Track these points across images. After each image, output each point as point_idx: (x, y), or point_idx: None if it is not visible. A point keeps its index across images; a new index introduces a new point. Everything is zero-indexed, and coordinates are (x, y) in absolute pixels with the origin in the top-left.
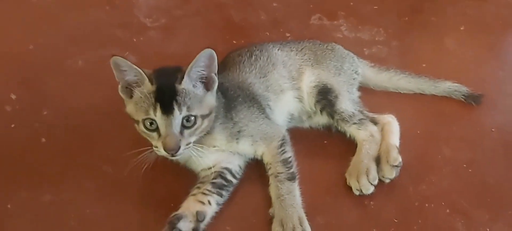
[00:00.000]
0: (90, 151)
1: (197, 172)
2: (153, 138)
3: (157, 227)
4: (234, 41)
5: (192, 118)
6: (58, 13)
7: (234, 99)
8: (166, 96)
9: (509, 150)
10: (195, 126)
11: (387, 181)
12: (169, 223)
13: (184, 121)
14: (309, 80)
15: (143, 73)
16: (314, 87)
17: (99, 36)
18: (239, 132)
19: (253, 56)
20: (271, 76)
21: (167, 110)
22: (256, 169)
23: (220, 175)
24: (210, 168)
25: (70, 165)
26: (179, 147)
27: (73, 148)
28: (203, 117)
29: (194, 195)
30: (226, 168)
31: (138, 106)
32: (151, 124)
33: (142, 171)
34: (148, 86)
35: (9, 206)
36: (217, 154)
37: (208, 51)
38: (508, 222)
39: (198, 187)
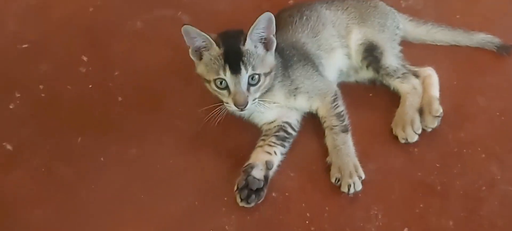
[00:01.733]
0: (162, 108)
1: (259, 126)
2: (223, 95)
3: (230, 175)
4: None
5: (256, 76)
6: None
7: (290, 58)
8: (233, 58)
9: None
10: (259, 83)
11: (429, 130)
12: (244, 172)
13: (250, 79)
14: (357, 38)
15: (210, 38)
16: (361, 44)
17: None
18: (296, 89)
19: (304, 17)
20: (322, 36)
21: (235, 70)
22: (310, 122)
23: (282, 128)
24: (272, 122)
25: (148, 121)
26: (247, 102)
27: (148, 106)
28: (266, 74)
29: (261, 146)
30: (286, 122)
31: (209, 67)
32: (221, 82)
33: (214, 124)
34: (216, 50)
35: (102, 159)
36: (277, 109)
37: (267, 14)
38: None
39: (263, 139)
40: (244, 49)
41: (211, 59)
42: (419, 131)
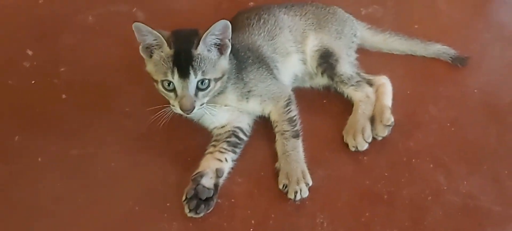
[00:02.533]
0: (108, 106)
1: (210, 130)
2: (170, 97)
3: (176, 179)
4: None
5: (206, 81)
6: None
7: (245, 60)
8: (183, 61)
9: (489, 110)
10: (209, 88)
11: (380, 138)
12: (193, 180)
13: (199, 83)
14: (313, 44)
15: (162, 37)
16: (316, 51)
17: None
18: (249, 91)
19: (261, 20)
20: (278, 40)
21: (184, 74)
22: (261, 127)
23: (233, 133)
24: (223, 126)
25: (92, 120)
26: (194, 107)
27: (92, 103)
28: (216, 79)
29: (211, 152)
30: (238, 127)
31: (158, 67)
32: (169, 84)
33: (160, 126)
34: (166, 50)
35: (40, 159)
36: (229, 113)
37: (223, 22)
38: (483, 175)
39: (214, 145)
40: (195, 53)
41: (160, 59)
42: (370, 140)
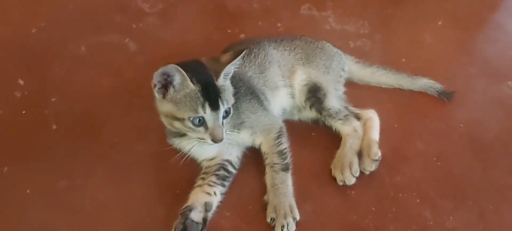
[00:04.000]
0: (98, 138)
1: (199, 162)
2: (198, 131)
3: (165, 213)
4: (229, 30)
5: (229, 109)
6: None
7: (238, 90)
8: (211, 94)
9: (474, 144)
10: (230, 114)
11: (367, 173)
12: (182, 214)
13: (224, 112)
14: (301, 78)
15: (186, 75)
16: (304, 85)
17: (98, 21)
18: (241, 123)
19: (252, 53)
20: (268, 73)
21: (215, 106)
22: (251, 159)
23: (222, 167)
24: (212, 159)
25: (81, 151)
26: (224, 136)
27: (82, 134)
28: (233, 105)
29: (200, 186)
30: (227, 160)
31: (181, 105)
32: (199, 120)
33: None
34: (191, 87)
35: (28, 191)
36: (218, 145)
37: (244, 52)
38: (468, 211)
39: (203, 178)
40: (219, 85)
41: (185, 96)
42: (357, 174)
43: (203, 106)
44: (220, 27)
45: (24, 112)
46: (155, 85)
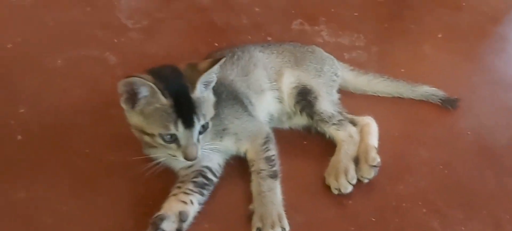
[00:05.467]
0: (66, 148)
1: (176, 171)
2: (170, 148)
3: (135, 225)
4: (216, 44)
5: (206, 124)
6: (37, 12)
7: (218, 95)
8: (185, 110)
9: (483, 152)
10: (208, 129)
11: (366, 181)
12: (152, 224)
13: (202, 127)
14: (289, 81)
15: (155, 88)
16: (294, 88)
17: (79, 36)
18: (224, 129)
19: (235, 56)
20: (252, 76)
21: (189, 124)
22: (234, 167)
23: (201, 173)
24: (190, 166)
25: (46, 161)
26: (198, 154)
27: (49, 145)
28: (211, 118)
29: (175, 194)
30: (207, 167)
31: (151, 120)
32: (170, 137)
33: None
34: (162, 101)
35: None
36: None
37: (224, 59)
38: (482, 221)
39: (179, 187)
40: (195, 98)
41: (155, 111)
42: (354, 181)
43: (175, 124)
44: (207, 41)
45: None
46: (121, 95)
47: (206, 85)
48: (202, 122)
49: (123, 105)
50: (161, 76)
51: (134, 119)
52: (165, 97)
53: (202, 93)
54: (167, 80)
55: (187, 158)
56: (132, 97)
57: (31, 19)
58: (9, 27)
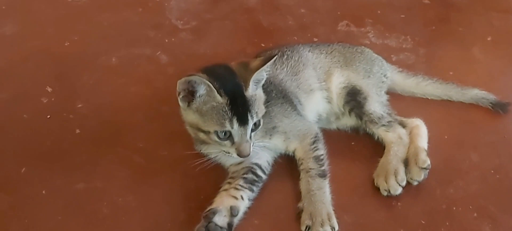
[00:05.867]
0: (122, 142)
1: (226, 167)
2: (224, 145)
3: (188, 218)
4: (263, 44)
5: (258, 121)
6: (93, 13)
7: (268, 94)
8: (240, 108)
9: None
10: (260, 126)
11: (415, 183)
12: (205, 217)
13: (253, 125)
14: (338, 81)
15: (212, 86)
16: (343, 88)
17: (132, 36)
18: (273, 128)
19: (284, 55)
20: (302, 75)
21: (243, 121)
22: (284, 166)
23: (251, 170)
24: (240, 163)
25: (103, 155)
26: (251, 151)
27: (106, 139)
28: (263, 115)
29: (226, 190)
30: (256, 164)
31: (207, 117)
32: (225, 134)
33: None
34: (218, 99)
35: (44, 192)
36: None
37: (275, 57)
38: None
39: (229, 182)
40: (249, 97)
41: (212, 109)
42: (403, 183)
43: (231, 121)
44: (254, 42)
45: (48, 116)
46: (179, 93)
47: (257, 83)
48: (255, 120)
49: (180, 103)
50: (216, 75)
51: (190, 116)
52: (221, 95)
53: (254, 91)
54: (221, 79)
55: (240, 155)
56: (189, 96)
57: (86, 19)
58: (67, 26)
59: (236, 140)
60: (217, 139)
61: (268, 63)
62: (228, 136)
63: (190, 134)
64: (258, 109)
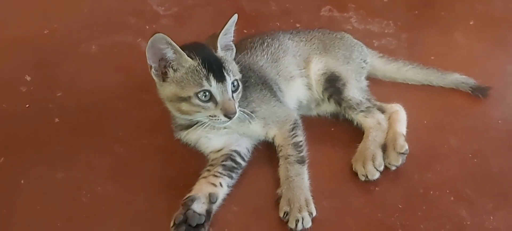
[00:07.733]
0: (101, 131)
1: (206, 154)
2: (208, 108)
3: (167, 206)
4: (245, 31)
5: (236, 82)
6: (73, 0)
7: (247, 80)
8: (214, 66)
9: None
10: (239, 89)
11: (393, 168)
12: (183, 205)
13: (232, 85)
14: (317, 68)
15: (179, 48)
16: (322, 75)
17: (112, 23)
18: (252, 112)
19: (265, 43)
20: (282, 62)
21: (220, 77)
22: (263, 152)
23: (230, 157)
24: (220, 150)
25: (82, 144)
26: (236, 110)
27: (85, 128)
28: (239, 80)
29: (205, 177)
30: (235, 151)
31: (184, 83)
32: (205, 95)
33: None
34: (189, 62)
35: (22, 181)
36: (226, 136)
37: (236, 17)
38: None
39: (209, 170)
40: (220, 56)
41: (186, 73)
42: (381, 168)
43: (208, 79)
44: (236, 28)
45: (27, 106)
46: (151, 67)
47: (225, 48)
48: (232, 78)
49: (155, 79)
50: (185, 46)
51: (167, 89)
52: (192, 58)
53: (226, 54)
54: (189, 47)
55: (226, 114)
56: (162, 74)
57: (66, 6)
58: (46, 14)
59: (219, 99)
60: (199, 102)
61: (229, 23)
62: (210, 98)
63: (172, 111)
64: (233, 69)
